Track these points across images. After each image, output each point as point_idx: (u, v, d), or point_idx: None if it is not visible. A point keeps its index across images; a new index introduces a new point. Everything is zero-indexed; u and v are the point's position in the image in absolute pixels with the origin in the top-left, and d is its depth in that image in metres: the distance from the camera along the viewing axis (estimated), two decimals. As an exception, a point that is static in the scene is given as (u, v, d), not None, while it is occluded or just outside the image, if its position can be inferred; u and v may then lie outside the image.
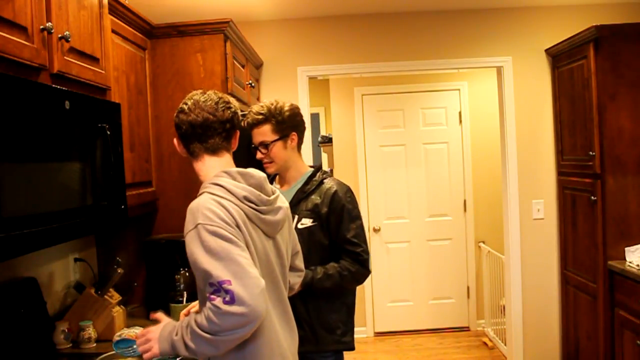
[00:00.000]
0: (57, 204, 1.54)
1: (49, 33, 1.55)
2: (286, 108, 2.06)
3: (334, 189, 2.08)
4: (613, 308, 3.06)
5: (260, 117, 2.03)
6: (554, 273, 3.74)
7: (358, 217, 2.09)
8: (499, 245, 4.22)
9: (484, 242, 4.82)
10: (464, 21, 3.69)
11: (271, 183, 2.22)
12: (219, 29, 2.64)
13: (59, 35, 1.61)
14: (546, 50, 3.68)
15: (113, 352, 1.86)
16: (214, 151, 1.54)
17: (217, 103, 1.52)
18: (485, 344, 4.55)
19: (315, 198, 2.07)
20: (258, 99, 3.64)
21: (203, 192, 1.45)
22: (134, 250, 2.64)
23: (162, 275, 2.46)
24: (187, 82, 2.65)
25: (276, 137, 2.04)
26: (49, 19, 1.56)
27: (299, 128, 2.11)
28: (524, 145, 3.72)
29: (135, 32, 2.44)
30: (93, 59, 1.86)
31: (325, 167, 4.97)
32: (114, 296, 2.27)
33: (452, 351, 4.47)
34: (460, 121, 4.95)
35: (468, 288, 4.97)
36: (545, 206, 3.73)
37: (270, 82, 3.72)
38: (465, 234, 4.96)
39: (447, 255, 4.94)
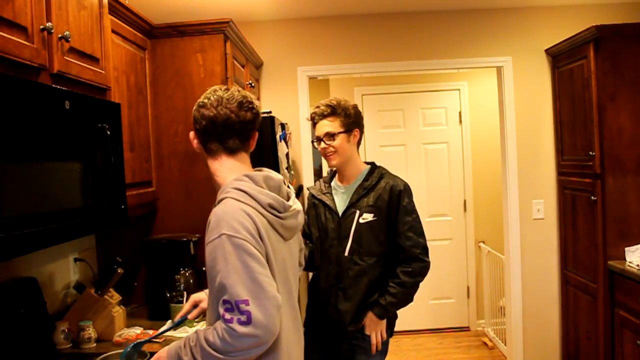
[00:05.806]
0: (57, 204, 1.54)
1: (49, 33, 1.55)
2: (352, 105, 2.22)
3: (391, 184, 2.19)
4: (613, 308, 3.06)
5: (330, 109, 2.18)
6: (554, 273, 3.74)
7: (413, 211, 2.19)
8: (499, 245, 4.22)
9: (484, 242, 4.82)
10: (464, 21, 3.69)
11: (332, 179, 2.32)
12: (219, 29, 2.64)
13: (59, 35, 1.61)
14: (546, 50, 3.68)
15: (113, 352, 1.86)
16: (233, 152, 1.48)
17: (240, 103, 1.46)
18: (485, 344, 4.55)
19: (376, 194, 2.18)
20: (258, 99, 3.64)
21: (226, 198, 1.37)
22: (134, 250, 2.64)
23: (162, 275, 2.46)
24: (187, 82, 2.65)
25: (342, 130, 2.17)
26: (49, 19, 1.56)
27: (361, 127, 2.26)
28: (524, 145, 3.72)
29: (135, 32, 2.43)
30: (93, 59, 1.86)
31: (324, 168, 4.97)
32: (114, 296, 2.27)
33: (452, 351, 4.47)
34: (460, 121, 4.95)
35: (468, 288, 4.97)
36: (545, 206, 3.73)
37: (270, 82, 3.72)
38: (465, 234, 4.96)
39: (447, 255, 4.94)
